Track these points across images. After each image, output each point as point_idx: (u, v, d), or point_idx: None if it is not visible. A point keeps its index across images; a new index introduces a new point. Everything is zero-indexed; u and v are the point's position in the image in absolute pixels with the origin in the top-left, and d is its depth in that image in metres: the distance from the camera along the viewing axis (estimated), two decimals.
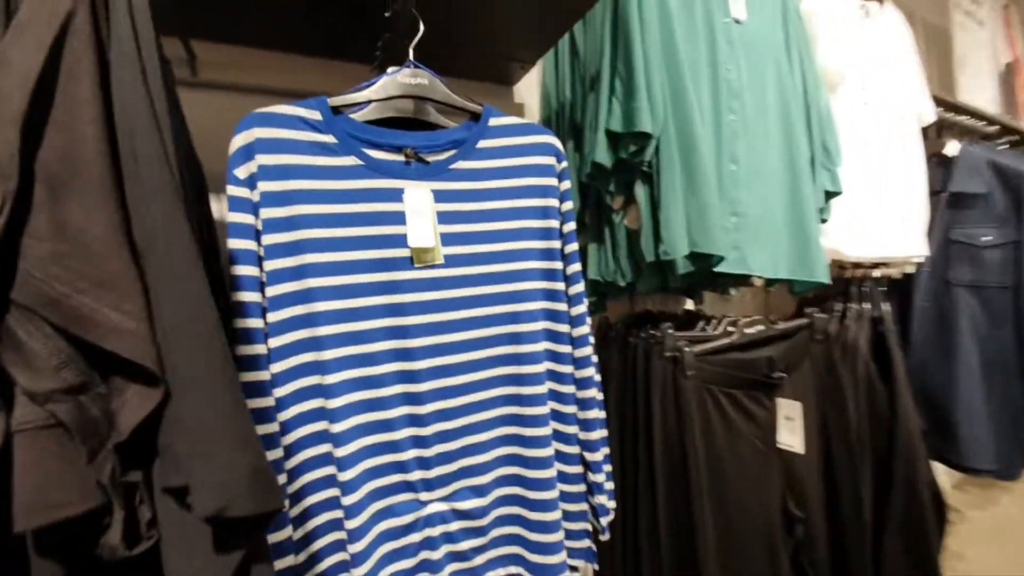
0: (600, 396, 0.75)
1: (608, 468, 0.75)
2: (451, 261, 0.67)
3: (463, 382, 0.67)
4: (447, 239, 0.67)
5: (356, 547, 0.60)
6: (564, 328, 0.72)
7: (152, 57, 0.29)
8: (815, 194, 1.01)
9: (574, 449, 0.72)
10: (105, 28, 0.28)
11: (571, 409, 0.71)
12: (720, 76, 0.93)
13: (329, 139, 0.62)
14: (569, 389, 0.71)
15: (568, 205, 0.73)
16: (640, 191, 0.90)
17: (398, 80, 0.69)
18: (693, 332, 0.98)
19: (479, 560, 0.69)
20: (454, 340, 0.66)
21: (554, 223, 0.72)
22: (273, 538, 0.55)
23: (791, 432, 0.90)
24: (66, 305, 0.24)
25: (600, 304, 1.08)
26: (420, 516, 0.66)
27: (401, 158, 0.66)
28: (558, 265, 0.72)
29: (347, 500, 0.60)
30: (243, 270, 0.57)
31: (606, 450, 0.75)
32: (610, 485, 0.76)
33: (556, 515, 0.70)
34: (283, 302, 0.58)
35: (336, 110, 0.64)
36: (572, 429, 0.71)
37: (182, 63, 0.80)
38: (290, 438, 0.58)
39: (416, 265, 0.65)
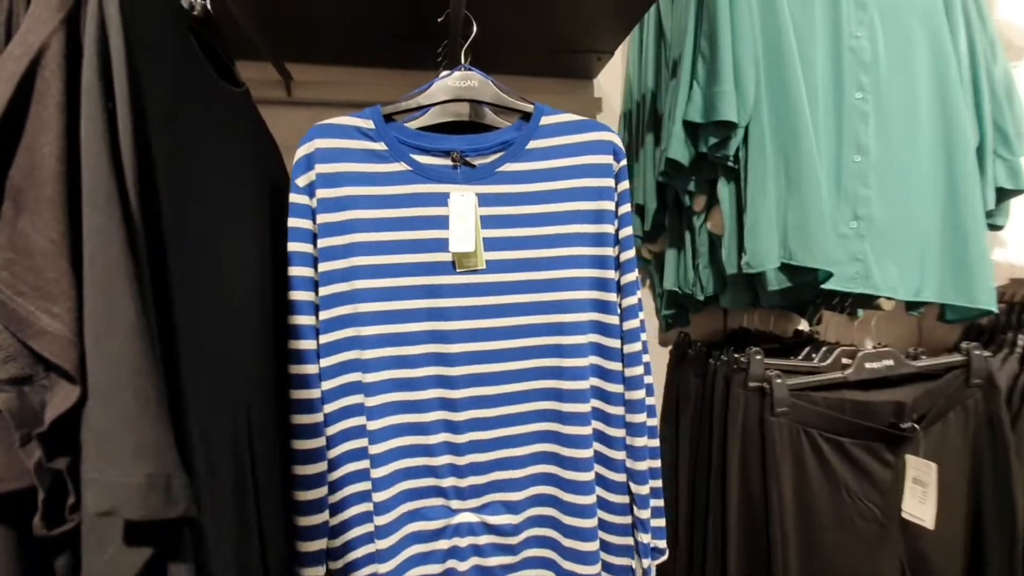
0: (652, 422, 0.68)
1: (657, 503, 0.68)
2: (493, 267, 0.65)
3: (500, 392, 0.65)
4: (490, 244, 0.65)
5: (383, 543, 0.62)
6: (615, 343, 0.66)
7: (123, 84, 0.32)
8: (983, 193, 0.77)
9: (620, 476, 0.66)
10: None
11: (619, 432, 0.65)
12: (844, 44, 0.76)
13: (380, 146, 0.65)
14: (618, 411, 0.65)
15: (625, 208, 0.67)
16: (724, 191, 0.77)
17: (448, 84, 0.69)
18: (793, 360, 0.81)
19: None
20: (493, 348, 0.65)
21: (608, 228, 0.66)
22: (310, 520, 0.60)
23: (920, 500, 0.70)
24: (9, 307, 0.28)
25: (681, 317, 0.97)
26: (450, 524, 0.66)
27: (448, 162, 0.66)
28: (611, 274, 0.66)
29: (378, 496, 0.62)
30: (298, 271, 0.62)
31: (656, 483, 0.68)
32: (659, 523, 0.69)
33: (592, 546, 0.65)
34: (333, 301, 0.63)
35: (389, 118, 0.67)
36: (619, 455, 0.65)
37: (277, 85, 0.90)
38: (332, 430, 0.62)
39: (458, 270, 0.65)
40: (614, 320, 0.66)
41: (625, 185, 0.67)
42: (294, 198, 0.63)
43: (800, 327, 1.03)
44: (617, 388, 0.66)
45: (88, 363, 0.28)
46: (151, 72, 0.37)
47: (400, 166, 0.65)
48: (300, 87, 0.91)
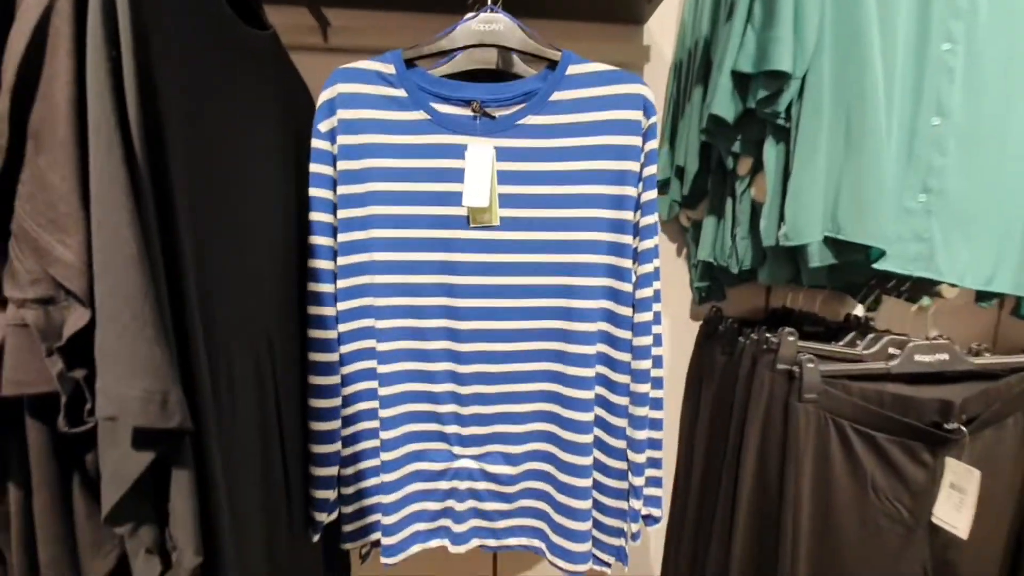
0: (656, 394, 0.68)
1: (653, 473, 0.71)
2: (507, 224, 0.66)
3: (505, 350, 0.67)
4: (506, 200, 0.66)
5: (388, 477, 0.69)
6: (627, 311, 0.66)
7: (127, 32, 0.35)
8: None
9: (619, 443, 0.68)
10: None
11: (622, 400, 0.67)
12: None
13: (400, 93, 0.66)
14: (623, 378, 0.67)
15: (651, 170, 0.65)
16: (771, 152, 0.72)
17: (471, 28, 0.68)
18: (832, 345, 0.77)
19: (501, 524, 0.72)
20: (501, 306, 0.67)
21: (630, 191, 0.65)
22: (323, 449, 0.67)
23: (956, 507, 0.65)
24: (31, 236, 0.33)
25: (715, 291, 0.93)
26: (451, 467, 0.71)
27: (469, 112, 0.66)
28: (628, 239, 0.65)
29: (385, 435, 0.68)
30: (318, 216, 0.66)
31: (653, 453, 0.70)
32: (654, 491, 0.72)
33: (584, 504, 0.68)
34: (351, 248, 0.67)
35: (411, 63, 0.67)
36: (620, 422, 0.67)
37: (314, 31, 0.90)
38: (346, 369, 0.68)
39: (472, 225, 0.66)
40: (627, 287, 0.66)
41: (653, 144, 0.64)
42: (316, 143, 0.66)
43: (856, 312, 0.96)
44: (624, 356, 0.66)
45: (95, 290, 0.33)
46: (159, 19, 0.40)
47: (419, 115, 0.66)
48: (337, 33, 0.92)
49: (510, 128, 0.65)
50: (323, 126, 0.66)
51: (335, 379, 0.67)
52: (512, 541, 0.73)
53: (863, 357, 0.75)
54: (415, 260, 0.66)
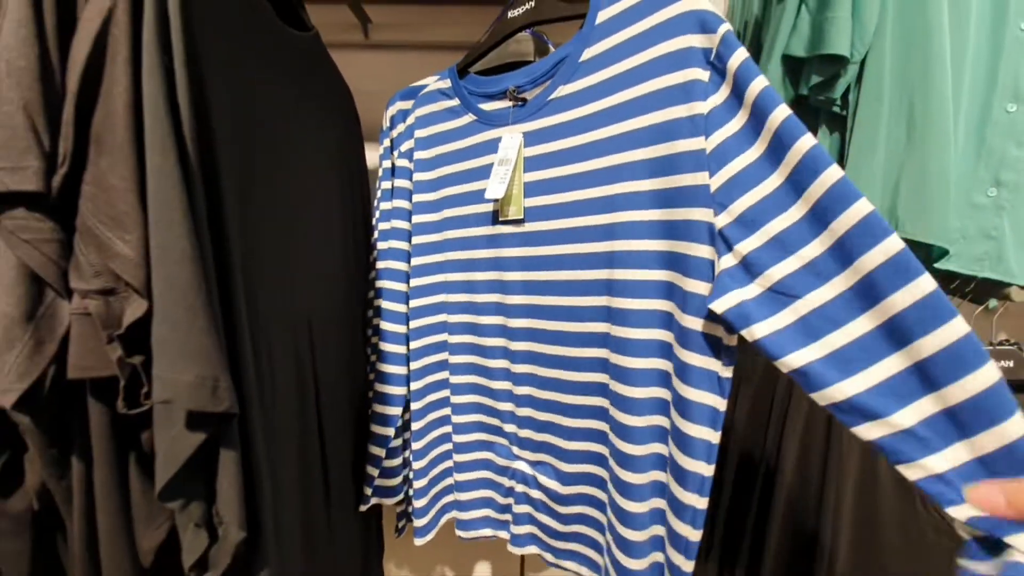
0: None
1: None
2: (532, 215, 0.63)
3: (553, 353, 0.64)
4: (532, 189, 0.63)
5: (460, 457, 0.76)
6: (693, 323, 0.49)
7: (179, 40, 0.39)
8: None
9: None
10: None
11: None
12: None
13: (455, 103, 0.72)
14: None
15: (756, 86, 0.46)
16: (823, 143, 0.71)
17: (508, 16, 0.69)
18: None
19: (557, 544, 0.69)
20: (545, 304, 0.64)
21: (683, 146, 0.48)
22: (381, 430, 0.77)
23: None
24: (94, 232, 0.37)
25: None
26: (511, 466, 0.73)
27: (508, 104, 0.66)
28: (696, 214, 0.48)
29: (456, 419, 0.76)
30: (397, 224, 0.78)
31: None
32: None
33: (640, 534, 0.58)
34: (427, 250, 0.76)
35: (464, 72, 0.72)
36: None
37: (354, 28, 0.95)
38: (421, 358, 0.77)
39: (500, 219, 0.67)
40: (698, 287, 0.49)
41: (739, 58, 0.45)
42: (399, 163, 0.77)
43: None
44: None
45: (152, 282, 0.37)
46: (208, 26, 0.44)
47: (469, 118, 0.70)
48: (378, 29, 0.96)
49: (542, 107, 0.61)
50: (404, 147, 0.77)
51: (403, 369, 0.76)
52: (569, 565, 0.68)
53: None
54: (470, 258, 0.71)
